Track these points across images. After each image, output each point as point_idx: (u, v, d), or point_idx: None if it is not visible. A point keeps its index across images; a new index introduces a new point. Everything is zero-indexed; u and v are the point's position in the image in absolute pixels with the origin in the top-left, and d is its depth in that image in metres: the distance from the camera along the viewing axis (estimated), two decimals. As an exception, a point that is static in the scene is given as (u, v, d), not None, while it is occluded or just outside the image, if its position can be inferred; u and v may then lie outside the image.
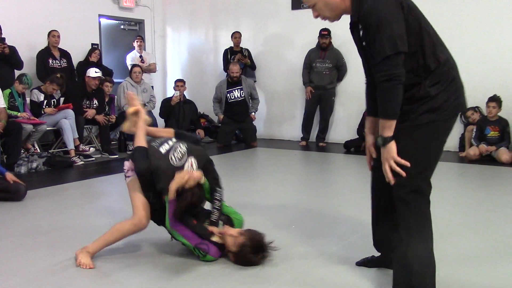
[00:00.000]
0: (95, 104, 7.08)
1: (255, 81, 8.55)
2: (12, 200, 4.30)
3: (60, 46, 7.34)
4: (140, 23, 9.47)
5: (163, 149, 2.92)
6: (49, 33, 7.22)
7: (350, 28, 2.22)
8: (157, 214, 2.93)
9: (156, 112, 8.08)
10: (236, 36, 8.49)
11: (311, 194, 4.76)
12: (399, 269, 2.18)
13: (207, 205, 3.04)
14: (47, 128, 6.49)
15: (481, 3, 6.81)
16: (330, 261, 2.88)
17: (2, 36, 6.58)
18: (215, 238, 2.85)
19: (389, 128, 2.10)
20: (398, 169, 2.11)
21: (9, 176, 4.42)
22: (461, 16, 6.84)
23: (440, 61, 2.11)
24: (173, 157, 2.88)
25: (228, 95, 8.05)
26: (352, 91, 7.86)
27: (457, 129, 6.73)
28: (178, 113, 7.94)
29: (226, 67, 8.48)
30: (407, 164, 2.10)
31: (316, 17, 2.33)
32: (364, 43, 2.13)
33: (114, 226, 2.93)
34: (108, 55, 9.00)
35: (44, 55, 7.19)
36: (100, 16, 8.63)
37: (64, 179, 5.54)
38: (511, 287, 2.57)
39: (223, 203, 3.03)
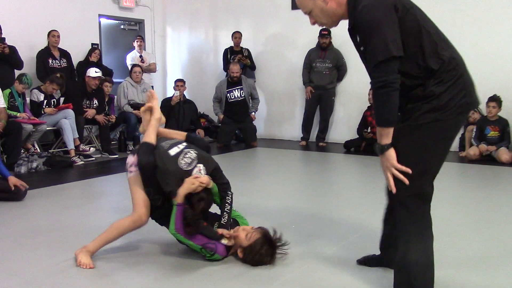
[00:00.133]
0: (95, 104, 7.08)
1: (254, 81, 8.55)
2: (12, 200, 4.29)
3: (60, 46, 7.34)
4: (140, 23, 9.47)
5: (173, 151, 2.89)
6: (49, 33, 7.22)
7: (349, 33, 2.18)
8: (158, 212, 2.92)
9: (156, 112, 8.06)
10: (237, 36, 8.49)
11: (311, 194, 4.76)
12: (399, 271, 2.17)
13: (213, 208, 3.04)
14: (47, 128, 6.49)
15: (481, 3, 6.81)
16: (330, 261, 2.87)
17: (2, 36, 6.58)
18: (224, 241, 2.86)
19: (386, 135, 2.06)
20: (401, 176, 2.06)
21: (12, 180, 4.32)
22: (461, 16, 6.84)
23: (444, 60, 2.05)
24: (182, 162, 2.85)
25: (228, 95, 8.05)
26: (352, 91, 7.87)
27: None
28: (178, 113, 7.94)
29: (226, 67, 8.49)
30: (408, 170, 2.05)
31: (313, 23, 2.30)
32: (361, 48, 2.09)
33: (113, 223, 2.92)
34: (108, 55, 9.00)
35: (44, 55, 7.19)
36: (100, 16, 8.63)
37: (64, 179, 5.54)
38: None
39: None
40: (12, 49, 6.67)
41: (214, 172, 2.96)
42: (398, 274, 2.17)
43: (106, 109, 7.27)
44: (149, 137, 3.01)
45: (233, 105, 8.06)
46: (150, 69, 8.72)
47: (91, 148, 6.96)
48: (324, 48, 7.74)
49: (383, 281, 2.54)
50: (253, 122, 8.25)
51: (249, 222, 3.13)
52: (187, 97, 8.35)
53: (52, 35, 7.21)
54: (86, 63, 7.54)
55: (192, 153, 2.91)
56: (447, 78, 2.05)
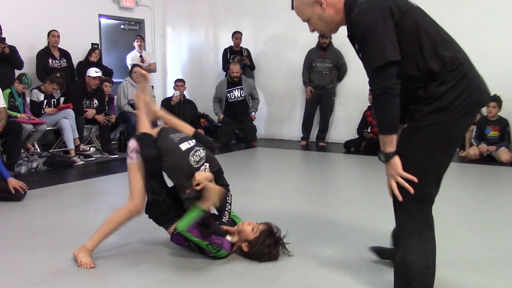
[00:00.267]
0: (95, 104, 7.09)
1: (253, 81, 8.55)
2: (12, 200, 4.29)
3: (60, 46, 7.34)
4: (140, 23, 9.47)
5: (183, 146, 2.88)
6: (49, 33, 7.23)
7: (349, 40, 2.15)
8: (158, 208, 2.90)
9: (156, 112, 8.07)
10: (237, 36, 8.49)
11: (311, 194, 4.76)
12: (399, 272, 2.16)
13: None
14: (47, 128, 6.50)
15: (481, 3, 6.81)
16: (330, 261, 2.87)
17: (2, 36, 6.59)
18: (229, 237, 2.89)
19: (390, 143, 2.03)
20: (406, 184, 2.03)
21: (12, 183, 4.30)
22: (460, 16, 6.83)
23: (445, 60, 2.00)
24: (192, 158, 2.85)
25: (228, 94, 8.05)
26: (352, 91, 7.87)
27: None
28: (178, 113, 7.93)
29: (225, 67, 8.49)
30: (414, 179, 2.01)
31: (312, 31, 2.29)
32: (360, 55, 2.07)
33: (108, 217, 2.90)
34: (108, 55, 9.00)
35: (43, 55, 7.19)
36: (100, 16, 8.63)
37: (64, 179, 5.53)
38: None
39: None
40: (12, 49, 6.67)
41: (217, 173, 2.97)
42: (397, 275, 2.17)
43: (106, 109, 7.27)
44: (145, 127, 2.98)
45: (233, 105, 8.06)
46: (150, 69, 8.71)
47: (91, 148, 6.97)
48: (324, 48, 7.74)
49: (383, 281, 2.54)
50: (253, 122, 8.25)
51: (249, 222, 3.13)
52: (187, 97, 8.35)
53: (52, 35, 7.21)
54: (86, 63, 7.54)
55: (202, 152, 2.92)
56: (449, 78, 2.01)
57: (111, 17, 8.96)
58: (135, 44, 8.60)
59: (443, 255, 2.75)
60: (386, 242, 2.67)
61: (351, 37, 2.12)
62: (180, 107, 7.97)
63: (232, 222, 3.03)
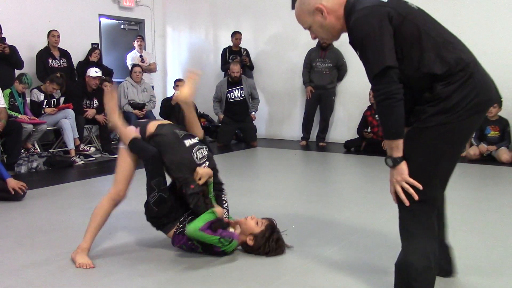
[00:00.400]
0: (95, 103, 7.09)
1: (253, 81, 8.55)
2: (12, 200, 4.29)
3: (60, 46, 7.34)
4: (140, 22, 9.46)
5: (187, 142, 2.96)
6: (49, 33, 7.22)
7: (351, 45, 2.14)
8: (163, 207, 2.88)
9: (156, 111, 8.09)
10: (237, 36, 8.49)
11: (311, 194, 4.76)
12: (399, 272, 2.15)
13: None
14: (47, 128, 6.49)
15: (481, 3, 6.81)
16: (330, 261, 2.87)
17: (2, 36, 6.58)
18: (231, 229, 2.94)
19: (396, 148, 2.01)
20: (411, 190, 2.01)
21: (11, 183, 4.29)
22: (460, 16, 6.83)
23: (450, 62, 1.97)
24: (195, 154, 2.93)
25: (228, 94, 8.05)
26: (352, 91, 7.87)
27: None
28: (178, 113, 7.93)
29: (223, 67, 8.49)
30: (419, 186, 2.00)
31: (314, 38, 2.29)
32: (362, 62, 2.05)
33: (93, 211, 2.91)
34: (108, 55, 9.00)
35: (43, 55, 7.19)
36: (100, 15, 8.63)
37: (64, 179, 5.53)
38: None
39: None
40: (12, 49, 6.67)
41: (213, 172, 3.00)
42: (398, 275, 2.16)
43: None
44: (130, 131, 2.97)
45: (233, 105, 8.06)
46: (150, 69, 8.72)
47: (91, 148, 6.97)
48: (324, 48, 7.73)
49: (383, 281, 2.54)
50: (253, 122, 8.25)
51: (249, 222, 3.13)
52: (187, 97, 8.33)
53: (52, 35, 7.21)
54: (86, 63, 7.54)
55: (205, 151, 3.01)
56: (454, 79, 1.98)
57: (111, 17, 8.95)
58: (135, 44, 8.60)
59: (443, 255, 2.75)
60: (386, 242, 2.68)
61: (352, 44, 2.11)
62: (180, 107, 7.95)
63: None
